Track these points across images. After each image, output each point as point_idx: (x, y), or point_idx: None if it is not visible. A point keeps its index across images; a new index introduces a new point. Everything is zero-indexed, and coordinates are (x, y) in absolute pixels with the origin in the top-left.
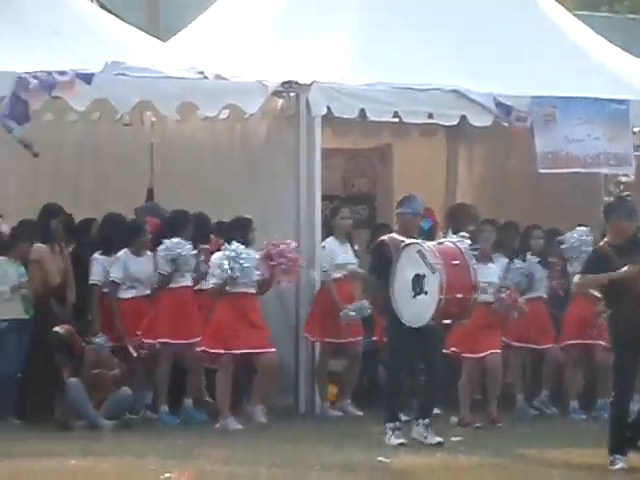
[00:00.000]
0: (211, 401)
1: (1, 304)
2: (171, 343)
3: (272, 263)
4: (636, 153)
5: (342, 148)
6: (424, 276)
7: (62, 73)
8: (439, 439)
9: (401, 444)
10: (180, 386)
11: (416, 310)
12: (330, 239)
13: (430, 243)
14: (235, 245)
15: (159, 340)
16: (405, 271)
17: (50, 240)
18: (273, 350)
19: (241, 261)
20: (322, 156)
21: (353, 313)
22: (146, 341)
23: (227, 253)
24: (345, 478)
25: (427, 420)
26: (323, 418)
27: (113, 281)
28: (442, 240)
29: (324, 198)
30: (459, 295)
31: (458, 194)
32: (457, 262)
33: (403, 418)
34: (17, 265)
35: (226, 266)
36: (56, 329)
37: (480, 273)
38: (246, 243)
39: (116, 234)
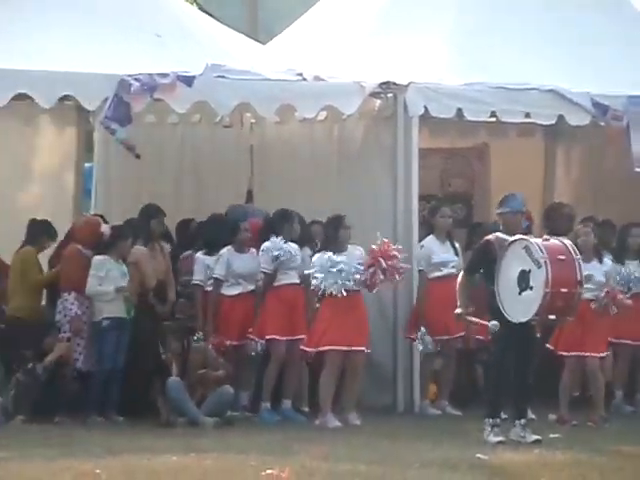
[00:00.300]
0: (307, 410)
1: (104, 303)
2: (279, 340)
3: (380, 266)
4: None
5: (439, 148)
6: (530, 271)
7: (163, 76)
8: (537, 437)
9: (500, 442)
10: (279, 388)
11: (521, 306)
12: (429, 238)
13: (537, 239)
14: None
15: (267, 337)
16: (511, 268)
17: (150, 240)
18: (362, 349)
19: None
20: (419, 156)
21: (421, 347)
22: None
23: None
24: (444, 475)
25: (524, 420)
26: (421, 416)
27: (217, 278)
28: (547, 237)
29: (421, 198)
30: (564, 290)
31: (556, 194)
32: (563, 257)
33: (503, 416)
34: (119, 264)
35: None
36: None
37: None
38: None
39: (219, 234)
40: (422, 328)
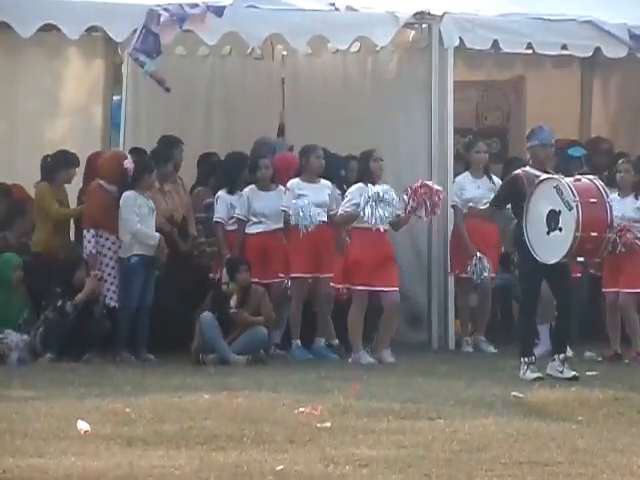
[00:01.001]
0: (338, 344)
1: (133, 240)
2: (303, 278)
3: (417, 200)
4: None
5: (474, 80)
6: (560, 212)
7: (193, 6)
8: (574, 373)
9: (537, 378)
10: (311, 326)
11: (550, 246)
12: (464, 174)
13: (568, 179)
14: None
15: (292, 275)
16: (540, 206)
17: (172, 172)
18: (396, 289)
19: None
20: (454, 89)
21: (474, 276)
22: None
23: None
24: (479, 412)
25: (562, 355)
26: (456, 354)
27: (239, 218)
28: (579, 177)
29: (456, 132)
30: (594, 234)
31: (592, 127)
32: (594, 200)
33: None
34: (147, 199)
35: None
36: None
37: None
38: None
39: (237, 172)
40: (477, 254)
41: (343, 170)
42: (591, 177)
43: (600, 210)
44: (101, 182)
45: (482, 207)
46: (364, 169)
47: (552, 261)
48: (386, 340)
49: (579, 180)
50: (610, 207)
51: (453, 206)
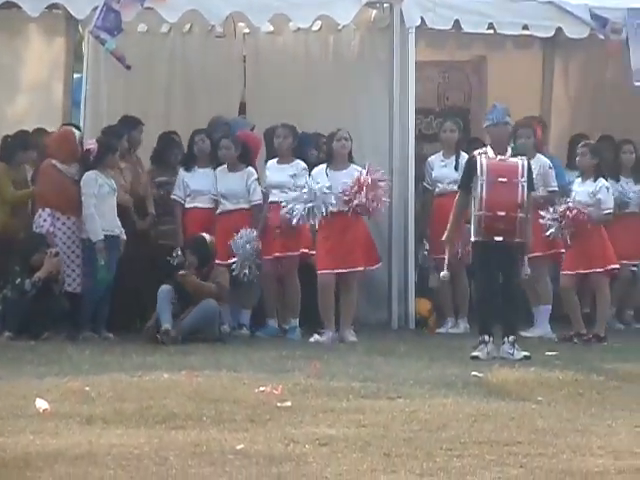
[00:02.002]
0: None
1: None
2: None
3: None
4: None
5: (436, 60)
6: None
7: None
8: (525, 354)
9: (474, 357)
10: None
11: (474, 226)
12: (437, 154)
13: (490, 158)
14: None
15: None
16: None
17: (126, 149)
18: (356, 269)
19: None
20: (416, 69)
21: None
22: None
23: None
24: (439, 392)
25: (512, 337)
26: (416, 333)
27: (174, 199)
28: (506, 157)
29: (418, 112)
30: (501, 213)
31: (553, 107)
32: (504, 179)
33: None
34: (109, 179)
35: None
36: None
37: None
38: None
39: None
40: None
41: (315, 149)
42: (523, 157)
43: (509, 190)
44: (53, 161)
45: (445, 186)
46: (329, 150)
47: (474, 239)
48: (347, 319)
49: (503, 160)
50: (522, 187)
51: (424, 187)
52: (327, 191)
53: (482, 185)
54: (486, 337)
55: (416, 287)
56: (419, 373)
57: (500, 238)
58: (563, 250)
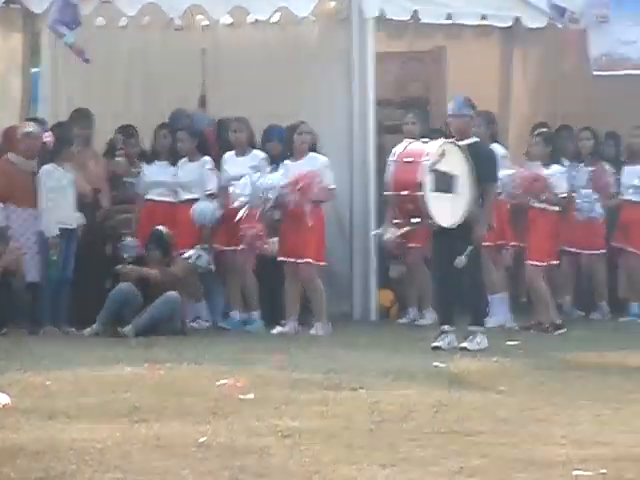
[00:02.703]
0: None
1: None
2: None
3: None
4: None
5: (395, 51)
6: None
7: None
8: (465, 345)
9: (434, 347)
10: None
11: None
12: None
13: (410, 143)
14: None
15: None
16: None
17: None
18: (307, 261)
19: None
20: (375, 60)
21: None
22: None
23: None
24: (401, 383)
25: (447, 326)
26: (378, 325)
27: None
28: (426, 140)
29: (377, 103)
30: (405, 192)
31: (512, 97)
32: (410, 159)
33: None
34: (66, 172)
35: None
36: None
37: None
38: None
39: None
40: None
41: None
42: (444, 141)
43: (412, 169)
44: (8, 155)
45: None
46: (289, 142)
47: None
48: (315, 313)
49: (426, 142)
50: (423, 167)
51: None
52: (269, 187)
53: (389, 166)
54: (446, 327)
55: (378, 278)
56: (381, 364)
57: (417, 219)
58: (512, 243)
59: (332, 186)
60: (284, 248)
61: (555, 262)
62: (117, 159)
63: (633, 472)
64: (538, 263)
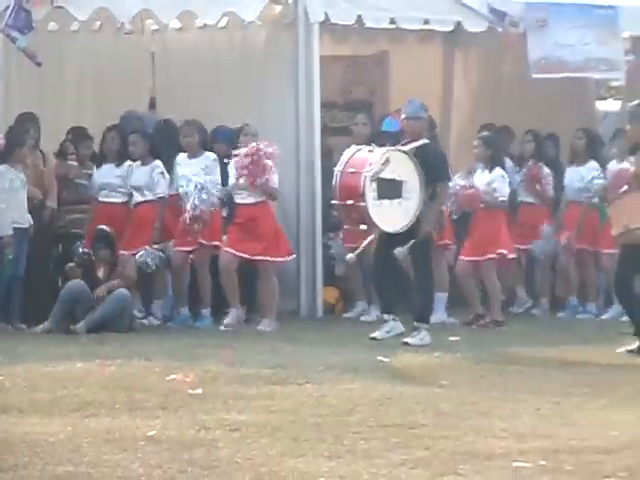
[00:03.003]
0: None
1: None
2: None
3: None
4: (626, 58)
5: (340, 55)
6: None
7: None
8: (407, 340)
9: (372, 338)
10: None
11: None
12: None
13: (357, 151)
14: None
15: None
16: None
17: (35, 147)
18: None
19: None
20: (321, 63)
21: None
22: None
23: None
24: (346, 377)
25: (387, 315)
26: (324, 321)
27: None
28: (372, 148)
29: (322, 105)
30: (349, 202)
31: (455, 100)
32: (353, 170)
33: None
34: (19, 172)
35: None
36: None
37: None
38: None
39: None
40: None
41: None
42: (390, 148)
43: (355, 179)
44: None
45: None
46: (235, 144)
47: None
48: (265, 309)
49: (371, 151)
50: (365, 177)
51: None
52: (208, 185)
53: (335, 176)
54: (385, 316)
55: (324, 276)
56: (327, 359)
57: (364, 227)
58: (449, 242)
59: (276, 185)
60: (237, 245)
61: (512, 255)
62: (69, 162)
63: (571, 464)
64: (493, 255)
